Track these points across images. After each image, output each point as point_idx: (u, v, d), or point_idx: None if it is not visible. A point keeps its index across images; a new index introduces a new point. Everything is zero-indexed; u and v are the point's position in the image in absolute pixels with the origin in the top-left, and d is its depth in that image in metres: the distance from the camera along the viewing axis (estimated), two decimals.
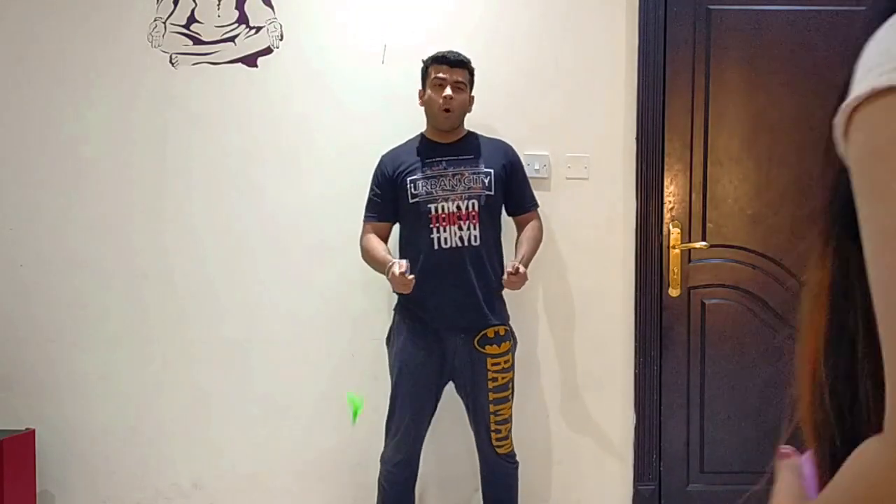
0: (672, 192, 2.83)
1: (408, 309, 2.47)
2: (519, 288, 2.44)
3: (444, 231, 2.43)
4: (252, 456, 2.87)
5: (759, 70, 2.79)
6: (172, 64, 2.82)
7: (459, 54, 2.50)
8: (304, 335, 2.84)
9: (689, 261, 2.85)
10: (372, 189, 2.55)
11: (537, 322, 2.84)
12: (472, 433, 2.55)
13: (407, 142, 2.57)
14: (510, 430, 2.51)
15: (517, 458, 2.55)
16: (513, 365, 2.51)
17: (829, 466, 0.53)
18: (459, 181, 2.46)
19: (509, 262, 2.44)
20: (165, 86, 2.82)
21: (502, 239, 2.58)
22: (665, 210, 2.82)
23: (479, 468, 2.58)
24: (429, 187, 2.45)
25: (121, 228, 2.84)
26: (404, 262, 2.33)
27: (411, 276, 2.30)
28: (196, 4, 2.81)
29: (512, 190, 2.56)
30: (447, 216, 2.44)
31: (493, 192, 2.48)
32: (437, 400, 2.52)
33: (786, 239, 2.81)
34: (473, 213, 2.44)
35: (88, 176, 2.84)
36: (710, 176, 2.82)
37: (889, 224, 0.42)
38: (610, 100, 2.80)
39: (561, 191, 2.80)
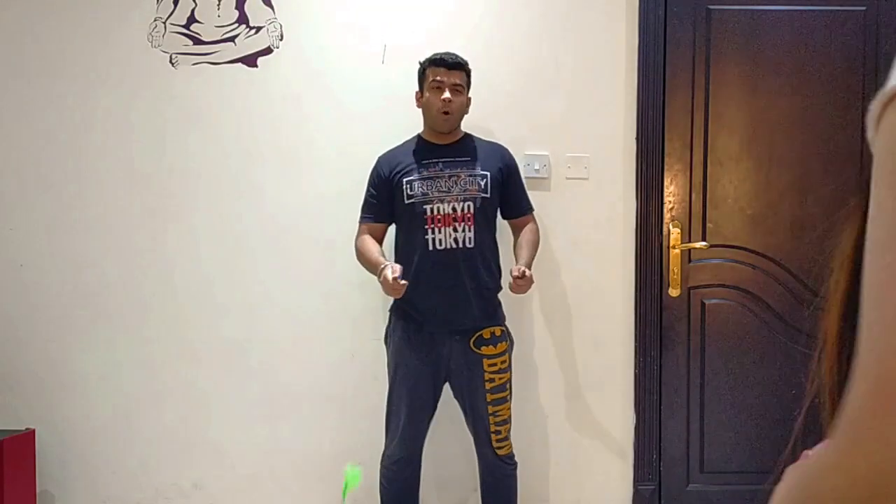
0: (672, 192, 2.83)
1: (403, 310, 2.47)
2: (525, 292, 2.43)
3: (440, 232, 2.43)
4: (252, 456, 2.87)
5: (759, 70, 2.79)
6: (172, 64, 2.82)
7: (457, 56, 2.50)
8: (304, 335, 2.84)
9: (689, 261, 2.85)
10: (368, 190, 2.55)
11: (538, 322, 2.84)
12: (469, 434, 2.55)
13: (404, 143, 2.57)
14: (510, 431, 2.51)
15: (516, 458, 2.55)
16: (510, 365, 2.51)
17: None
18: (456, 183, 2.46)
19: (514, 266, 2.43)
20: (165, 86, 2.82)
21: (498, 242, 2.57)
22: (665, 210, 2.82)
23: (477, 470, 2.57)
24: (425, 188, 2.45)
25: (121, 228, 2.84)
26: (397, 266, 2.32)
27: (403, 282, 2.30)
28: (196, 4, 2.81)
29: (508, 193, 2.56)
30: (443, 217, 2.44)
31: (489, 195, 2.48)
32: (437, 399, 2.52)
33: (786, 239, 2.81)
34: (469, 215, 2.44)
35: (88, 176, 2.84)
36: (710, 176, 2.82)
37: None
38: (610, 100, 2.80)
39: (561, 191, 2.80)
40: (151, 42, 2.82)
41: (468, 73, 2.52)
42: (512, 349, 2.54)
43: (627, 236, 2.81)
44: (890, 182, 0.40)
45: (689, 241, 2.83)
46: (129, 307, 2.85)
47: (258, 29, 2.81)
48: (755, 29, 2.78)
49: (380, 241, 2.52)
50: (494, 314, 2.51)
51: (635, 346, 2.82)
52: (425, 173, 2.46)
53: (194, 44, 2.82)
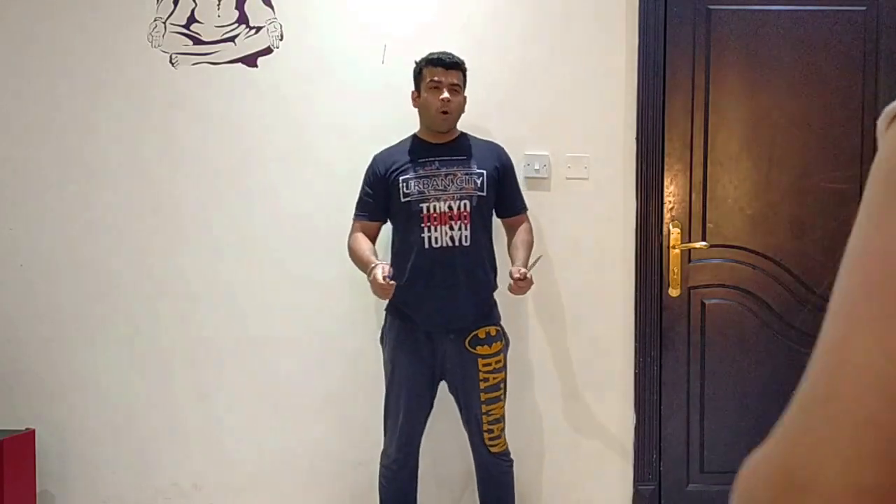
0: (672, 192, 2.83)
1: (398, 309, 2.47)
2: (525, 293, 2.44)
3: (435, 231, 2.43)
4: (252, 456, 2.87)
5: (759, 70, 2.79)
6: (172, 64, 2.82)
7: (454, 56, 2.49)
8: (304, 335, 2.84)
9: (689, 261, 2.85)
10: (363, 188, 2.55)
11: (538, 322, 2.84)
12: (465, 431, 2.55)
13: (400, 142, 2.57)
14: (503, 430, 2.51)
15: (511, 456, 2.55)
16: (505, 365, 2.51)
17: None
18: (452, 181, 2.46)
19: (514, 268, 2.43)
20: (165, 86, 2.82)
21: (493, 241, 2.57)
22: (665, 210, 2.82)
23: (473, 467, 2.58)
24: (421, 187, 2.45)
25: (120, 228, 2.85)
26: (388, 266, 2.32)
27: (392, 283, 2.30)
28: (196, 4, 2.81)
29: (504, 192, 2.56)
30: (439, 216, 2.44)
31: (485, 193, 2.48)
32: (433, 398, 2.52)
33: (786, 239, 2.81)
34: (465, 214, 2.44)
35: (88, 175, 2.84)
36: (710, 176, 2.82)
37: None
38: (610, 100, 2.80)
39: (561, 191, 2.80)
40: (151, 42, 2.82)
41: (465, 73, 2.52)
42: (507, 349, 2.54)
43: (627, 236, 2.81)
44: (873, 192, 0.41)
45: (689, 241, 2.83)
46: (129, 307, 2.85)
47: (258, 29, 2.81)
48: (755, 29, 2.78)
49: (373, 240, 2.52)
50: (490, 313, 2.51)
51: (635, 346, 2.82)
52: (421, 172, 2.46)
53: (194, 44, 2.82)
